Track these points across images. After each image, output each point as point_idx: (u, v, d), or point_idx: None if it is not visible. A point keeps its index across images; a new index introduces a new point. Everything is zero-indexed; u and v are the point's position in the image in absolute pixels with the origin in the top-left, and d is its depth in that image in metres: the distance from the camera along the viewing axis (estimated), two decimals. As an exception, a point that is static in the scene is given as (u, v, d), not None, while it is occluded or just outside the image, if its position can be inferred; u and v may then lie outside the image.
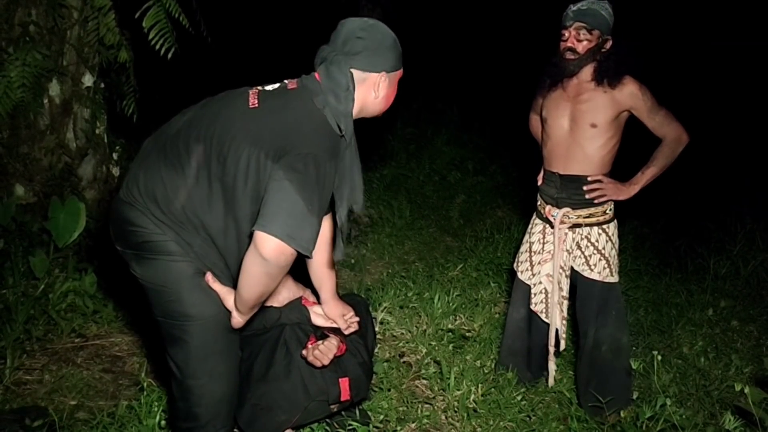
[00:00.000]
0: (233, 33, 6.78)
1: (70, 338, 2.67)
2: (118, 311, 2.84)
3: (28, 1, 3.06)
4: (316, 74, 1.62)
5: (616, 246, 2.39)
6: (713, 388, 2.74)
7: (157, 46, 3.07)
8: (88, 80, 3.33)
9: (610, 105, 2.23)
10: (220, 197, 1.52)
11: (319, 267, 1.95)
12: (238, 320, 1.61)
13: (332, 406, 1.98)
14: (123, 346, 2.68)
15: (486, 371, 2.64)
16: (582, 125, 2.27)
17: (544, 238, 2.45)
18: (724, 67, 8.35)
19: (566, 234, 2.37)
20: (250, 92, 1.59)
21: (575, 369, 2.58)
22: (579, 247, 2.36)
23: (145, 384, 2.22)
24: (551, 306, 2.43)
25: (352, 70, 1.58)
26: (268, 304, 1.96)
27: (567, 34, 2.25)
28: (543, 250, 2.45)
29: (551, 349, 2.49)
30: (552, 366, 2.54)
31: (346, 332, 1.99)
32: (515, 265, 2.58)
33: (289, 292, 2.03)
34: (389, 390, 2.44)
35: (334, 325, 1.99)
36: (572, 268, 2.40)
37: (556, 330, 2.44)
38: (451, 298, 3.17)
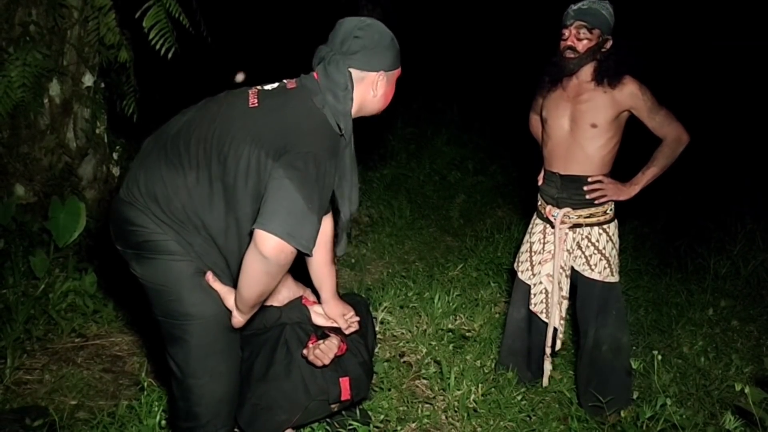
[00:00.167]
0: (233, 33, 6.78)
1: (71, 338, 2.67)
2: (118, 311, 2.84)
3: (29, 1, 3.06)
4: (314, 74, 1.62)
5: (617, 246, 2.39)
6: (713, 387, 2.74)
7: (157, 46, 3.07)
8: (88, 80, 3.33)
9: (610, 105, 2.23)
10: (220, 197, 1.52)
11: (320, 266, 1.95)
12: (238, 319, 1.61)
13: (333, 406, 1.98)
14: (123, 346, 2.68)
15: (486, 371, 2.64)
16: (582, 125, 2.27)
17: (544, 238, 2.45)
18: (724, 67, 8.34)
19: (567, 234, 2.37)
20: (250, 92, 1.60)
21: (575, 369, 2.58)
22: (579, 247, 2.36)
23: (145, 384, 2.22)
24: (551, 306, 2.42)
25: (351, 70, 1.59)
26: (269, 303, 1.96)
27: (567, 33, 2.25)
28: (543, 250, 2.45)
29: (547, 350, 2.48)
30: (548, 366, 2.53)
31: (347, 332, 1.99)
32: (515, 264, 2.58)
33: (289, 292, 2.03)
34: (389, 390, 2.44)
35: (335, 325, 1.99)
36: (572, 268, 2.40)
37: (555, 330, 2.44)
38: (451, 297, 3.17)
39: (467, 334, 2.90)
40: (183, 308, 1.56)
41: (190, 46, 3.46)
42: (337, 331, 1.98)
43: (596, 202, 2.32)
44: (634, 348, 2.99)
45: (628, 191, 2.31)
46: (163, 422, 2.06)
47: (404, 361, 2.68)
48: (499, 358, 2.66)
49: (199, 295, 1.57)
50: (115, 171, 3.57)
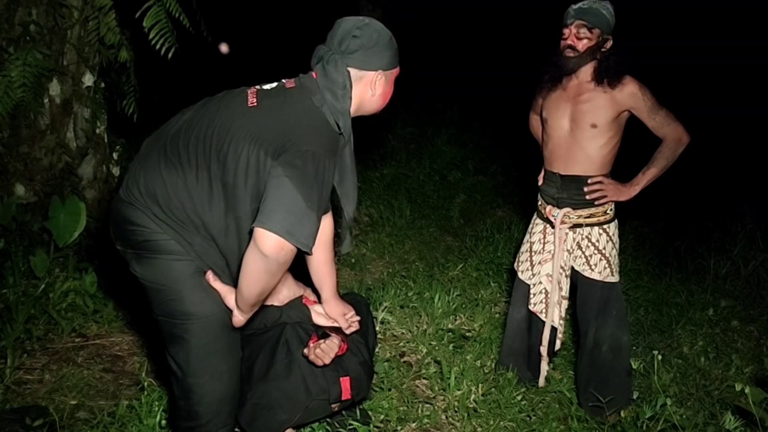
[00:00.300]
0: (233, 33, 6.78)
1: (71, 338, 2.67)
2: (118, 311, 2.84)
3: (29, 1, 3.06)
4: (313, 73, 1.63)
5: (617, 246, 2.39)
6: (713, 388, 2.74)
7: (158, 46, 3.07)
8: (88, 80, 3.33)
9: (610, 105, 2.23)
10: (220, 196, 1.52)
11: (320, 266, 1.95)
12: (239, 319, 1.61)
13: (333, 406, 1.98)
14: (123, 346, 2.68)
15: (486, 371, 2.64)
16: (582, 125, 2.27)
17: (544, 238, 2.45)
18: (723, 68, 8.34)
19: (567, 234, 2.37)
20: (249, 91, 1.60)
21: (575, 369, 2.58)
22: (579, 247, 2.36)
23: (145, 383, 2.22)
24: (550, 305, 2.42)
25: (349, 69, 1.59)
26: (269, 303, 1.96)
27: (567, 32, 2.25)
28: (543, 250, 2.45)
29: (543, 350, 2.48)
30: (544, 366, 2.53)
31: (347, 331, 1.99)
32: (515, 264, 2.58)
33: (289, 291, 2.03)
34: (390, 389, 2.44)
35: (335, 324, 1.99)
36: (573, 268, 2.40)
37: (555, 330, 2.44)
38: (451, 297, 3.17)
39: (467, 334, 2.90)
40: (183, 307, 1.56)
41: (190, 46, 3.46)
42: (337, 330, 1.98)
43: (596, 203, 2.32)
44: (634, 348, 2.99)
45: (629, 192, 2.31)
46: (164, 422, 2.06)
47: (404, 361, 2.68)
48: (499, 358, 2.66)
49: (199, 295, 1.57)
50: (115, 171, 3.57)
